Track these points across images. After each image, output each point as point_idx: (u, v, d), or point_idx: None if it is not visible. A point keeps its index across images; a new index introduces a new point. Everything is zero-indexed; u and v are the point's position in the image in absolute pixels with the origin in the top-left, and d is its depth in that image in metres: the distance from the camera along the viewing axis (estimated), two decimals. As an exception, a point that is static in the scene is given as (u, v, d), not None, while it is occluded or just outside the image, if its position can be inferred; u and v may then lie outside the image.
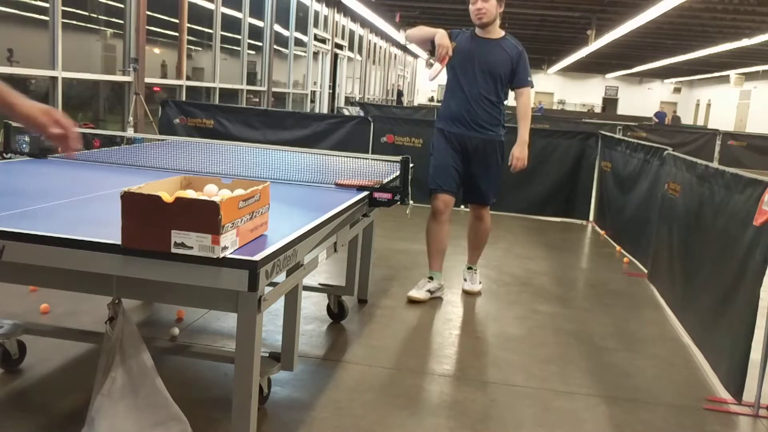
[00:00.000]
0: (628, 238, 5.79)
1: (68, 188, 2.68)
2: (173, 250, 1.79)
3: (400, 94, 30.12)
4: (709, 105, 38.25)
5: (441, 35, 3.92)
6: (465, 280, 4.46)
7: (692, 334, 3.74)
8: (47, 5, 7.16)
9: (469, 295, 4.36)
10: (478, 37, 4.10)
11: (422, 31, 4.14)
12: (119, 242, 1.83)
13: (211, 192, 2.19)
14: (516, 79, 4.11)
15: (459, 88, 4.09)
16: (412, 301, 4.09)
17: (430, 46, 4.00)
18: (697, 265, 3.74)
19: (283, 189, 2.98)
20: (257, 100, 13.83)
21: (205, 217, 1.78)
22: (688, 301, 3.87)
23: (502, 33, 4.14)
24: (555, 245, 6.09)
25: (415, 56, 34.61)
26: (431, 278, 4.23)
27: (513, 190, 6.86)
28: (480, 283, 4.48)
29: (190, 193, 2.09)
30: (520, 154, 4.15)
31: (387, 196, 3.07)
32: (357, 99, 21.19)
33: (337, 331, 3.59)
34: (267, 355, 2.63)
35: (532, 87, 4.20)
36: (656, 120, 26.10)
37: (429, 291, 4.17)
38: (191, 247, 1.79)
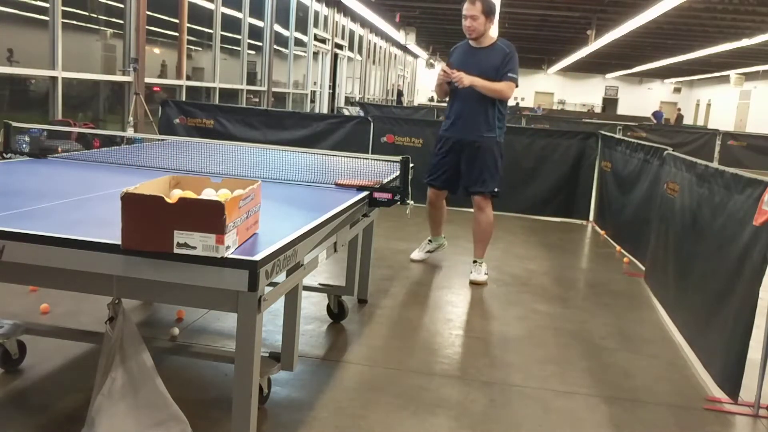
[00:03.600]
0: (628, 238, 5.79)
1: (68, 188, 2.68)
2: (176, 250, 1.79)
3: (400, 94, 30.11)
4: (709, 105, 38.25)
5: (439, 72, 4.54)
6: (471, 272, 4.73)
7: (685, 334, 3.74)
8: (47, 5, 7.16)
9: (474, 289, 4.52)
10: (472, 48, 4.61)
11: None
12: (119, 242, 1.83)
13: (209, 193, 2.19)
14: (498, 73, 4.46)
15: (457, 95, 4.58)
16: (414, 261, 5.04)
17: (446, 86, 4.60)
18: (693, 265, 3.74)
19: (283, 189, 2.99)
20: (257, 100, 13.84)
21: (209, 216, 1.78)
22: (682, 301, 3.87)
23: (494, 39, 4.59)
24: (555, 245, 6.10)
25: (415, 56, 34.61)
26: (430, 241, 5.14)
27: (513, 190, 6.87)
28: (486, 274, 4.71)
29: (188, 194, 2.08)
30: (466, 77, 4.38)
31: (387, 196, 3.07)
32: (357, 99, 21.18)
33: (337, 331, 3.59)
34: (267, 355, 2.63)
35: (516, 84, 4.49)
36: (654, 120, 26.00)
37: (428, 252, 5.14)
38: (194, 247, 1.79)
